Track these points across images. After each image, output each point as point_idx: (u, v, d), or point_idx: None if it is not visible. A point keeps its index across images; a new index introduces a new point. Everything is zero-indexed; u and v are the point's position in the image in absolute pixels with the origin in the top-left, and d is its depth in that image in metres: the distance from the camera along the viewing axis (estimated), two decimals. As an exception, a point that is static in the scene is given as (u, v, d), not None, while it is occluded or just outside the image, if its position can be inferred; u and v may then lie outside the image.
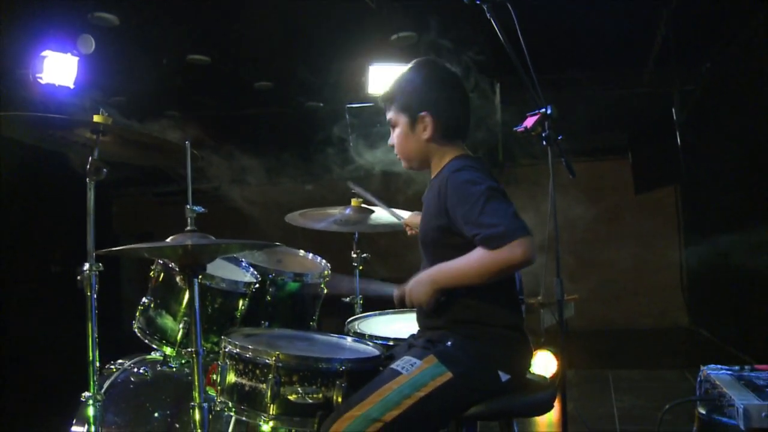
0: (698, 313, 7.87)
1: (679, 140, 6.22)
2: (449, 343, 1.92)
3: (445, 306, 1.97)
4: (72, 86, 4.97)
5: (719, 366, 2.38)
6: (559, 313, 2.54)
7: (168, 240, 1.90)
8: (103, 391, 2.38)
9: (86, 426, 2.41)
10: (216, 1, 5.08)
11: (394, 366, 1.89)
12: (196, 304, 1.89)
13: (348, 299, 3.05)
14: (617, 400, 4.83)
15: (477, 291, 1.93)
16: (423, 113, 2.04)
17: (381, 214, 2.95)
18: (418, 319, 2.13)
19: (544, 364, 4.82)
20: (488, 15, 2.35)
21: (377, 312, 2.84)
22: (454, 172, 1.95)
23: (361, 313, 2.93)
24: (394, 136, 2.13)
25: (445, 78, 2.10)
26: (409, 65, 2.11)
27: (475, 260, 1.84)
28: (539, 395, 2.06)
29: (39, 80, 4.78)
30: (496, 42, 2.27)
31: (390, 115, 2.12)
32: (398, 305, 2.07)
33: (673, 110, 6.26)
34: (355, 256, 3.06)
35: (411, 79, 2.08)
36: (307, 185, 7.84)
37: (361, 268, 3.05)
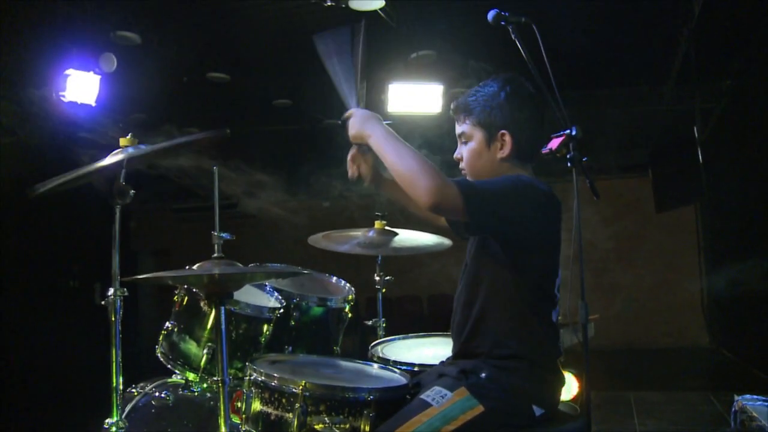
0: (719, 333, 7.76)
1: (700, 158, 6.17)
2: (483, 375, 1.86)
3: (483, 335, 1.93)
4: (94, 104, 5.02)
5: (755, 396, 2.32)
6: (584, 337, 2.48)
7: (195, 267, 1.88)
8: (124, 415, 2.34)
9: (108, 451, 2.39)
10: (236, 20, 5.11)
11: (423, 397, 1.84)
12: (223, 332, 1.85)
13: (371, 322, 3.01)
14: (640, 423, 4.75)
15: (518, 322, 1.89)
16: (503, 132, 1.98)
17: (405, 236, 2.91)
18: (454, 344, 2.07)
19: (565, 385, 4.75)
20: (513, 36, 2.33)
21: (401, 336, 2.80)
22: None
23: (384, 336, 2.89)
24: (465, 150, 2.04)
25: (528, 98, 2.01)
26: (492, 80, 2.03)
27: (414, 155, 1.82)
28: (570, 426, 2.01)
29: (62, 98, 4.83)
30: (517, 62, 2.24)
31: (463, 128, 2.03)
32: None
33: (695, 128, 6.22)
34: (378, 278, 3.04)
35: (494, 94, 1.99)
36: (325, 202, 7.84)
37: (384, 291, 3.03)
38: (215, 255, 1.90)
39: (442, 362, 2.12)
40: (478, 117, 2.00)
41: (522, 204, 1.85)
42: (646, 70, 5.97)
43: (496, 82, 2.01)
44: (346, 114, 2.04)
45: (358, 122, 1.98)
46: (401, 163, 1.83)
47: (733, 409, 2.31)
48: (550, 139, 2.34)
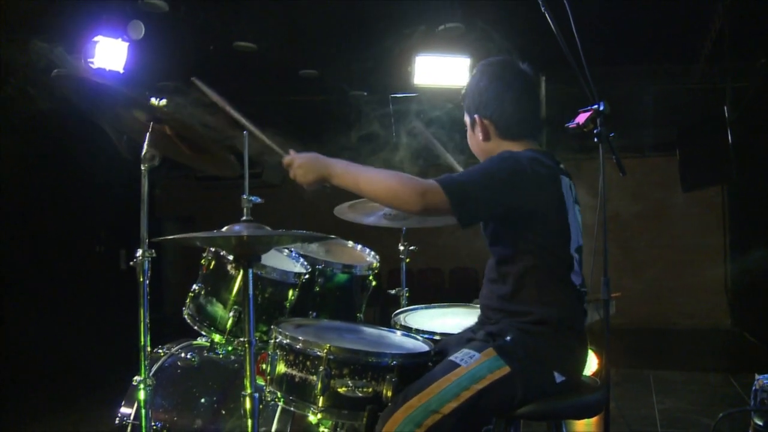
0: (742, 316, 7.70)
1: (730, 139, 6.05)
2: (509, 338, 1.90)
3: (508, 300, 1.96)
4: (122, 71, 5.06)
5: (776, 375, 2.32)
6: (605, 313, 2.48)
7: (223, 229, 1.90)
8: (151, 374, 2.40)
9: (135, 408, 2.46)
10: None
11: (452, 358, 1.88)
12: (250, 294, 1.89)
13: (394, 291, 3.04)
14: (659, 402, 4.75)
15: (542, 289, 1.92)
16: (476, 116, 2.08)
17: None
18: (481, 309, 2.11)
19: (588, 355, 4.76)
20: (542, 8, 2.30)
21: (423, 305, 2.82)
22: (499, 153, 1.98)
23: (407, 305, 2.92)
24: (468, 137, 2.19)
25: (500, 77, 2.07)
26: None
27: (385, 172, 1.89)
28: (589, 398, 2.02)
29: (90, 65, 4.87)
30: (546, 35, 2.22)
31: (464, 118, 2.18)
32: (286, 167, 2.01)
33: (725, 107, 6.09)
34: (402, 248, 3.08)
35: (473, 82, 2.11)
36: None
37: (408, 260, 3.07)
38: (244, 218, 1.92)
39: (467, 329, 2.15)
40: (465, 105, 2.14)
41: (506, 182, 1.88)
42: (677, 47, 5.87)
43: (477, 69, 2.13)
44: (285, 162, 2.03)
45: (310, 168, 1.97)
46: (378, 187, 1.90)
47: (754, 388, 2.31)
48: (577, 114, 2.33)
